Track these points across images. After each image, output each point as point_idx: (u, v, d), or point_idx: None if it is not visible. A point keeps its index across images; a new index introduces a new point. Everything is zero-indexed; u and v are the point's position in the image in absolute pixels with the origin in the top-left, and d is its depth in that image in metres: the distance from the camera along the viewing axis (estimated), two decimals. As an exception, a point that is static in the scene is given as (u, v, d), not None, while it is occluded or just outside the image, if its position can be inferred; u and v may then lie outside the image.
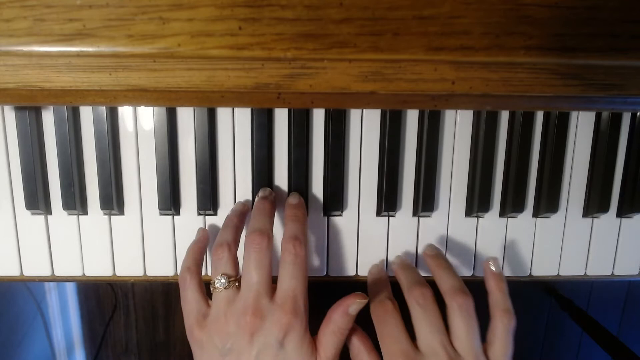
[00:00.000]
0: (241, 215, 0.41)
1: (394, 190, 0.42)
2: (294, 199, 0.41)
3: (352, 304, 0.35)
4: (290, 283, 0.35)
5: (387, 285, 0.41)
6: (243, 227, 0.40)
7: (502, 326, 0.36)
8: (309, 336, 0.35)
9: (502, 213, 0.44)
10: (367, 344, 0.37)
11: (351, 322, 0.36)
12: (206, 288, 0.38)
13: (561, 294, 1.14)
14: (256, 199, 0.41)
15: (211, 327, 0.35)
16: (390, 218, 0.44)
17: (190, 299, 0.37)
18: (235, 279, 0.36)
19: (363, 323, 0.39)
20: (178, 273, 0.43)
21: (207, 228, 0.43)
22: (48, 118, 0.40)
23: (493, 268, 0.39)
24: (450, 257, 0.45)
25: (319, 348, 0.35)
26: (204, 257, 0.42)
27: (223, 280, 0.35)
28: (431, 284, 0.39)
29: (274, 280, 0.36)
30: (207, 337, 0.35)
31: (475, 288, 0.42)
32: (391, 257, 0.44)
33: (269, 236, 0.36)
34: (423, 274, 0.43)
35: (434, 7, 0.32)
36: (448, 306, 0.36)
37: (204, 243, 0.42)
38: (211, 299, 0.37)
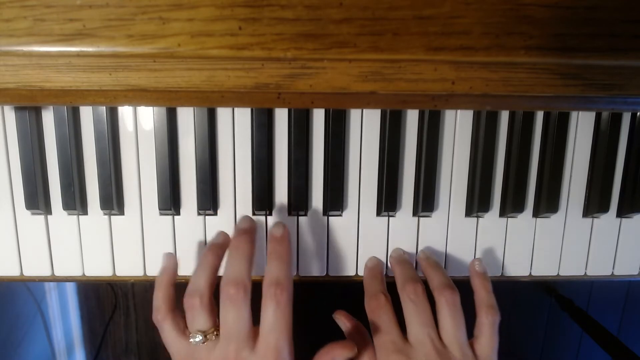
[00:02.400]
0: (219, 249, 0.38)
1: (394, 190, 0.42)
2: (277, 230, 0.38)
3: (338, 356, 0.35)
4: (272, 334, 0.33)
5: (382, 281, 0.42)
6: (220, 263, 0.38)
7: (487, 322, 0.38)
8: None
9: (502, 213, 0.44)
10: (365, 339, 0.39)
11: None
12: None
13: (561, 294, 1.14)
14: (235, 230, 0.39)
15: None
16: (390, 218, 0.44)
17: (169, 341, 0.36)
18: (212, 331, 0.34)
19: (360, 318, 0.41)
20: (178, 273, 0.43)
21: (205, 229, 0.43)
22: (48, 118, 0.40)
23: (478, 268, 0.42)
24: (450, 257, 0.45)
25: None
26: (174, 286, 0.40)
27: (199, 338, 0.34)
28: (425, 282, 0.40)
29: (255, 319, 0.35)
30: None
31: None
32: (391, 257, 0.45)
33: (245, 287, 0.34)
34: (418, 271, 0.43)
35: (434, 7, 0.32)
36: (437, 301, 0.38)
37: (171, 274, 0.40)
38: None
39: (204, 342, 0.34)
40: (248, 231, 0.38)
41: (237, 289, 0.33)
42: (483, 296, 0.40)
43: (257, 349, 0.33)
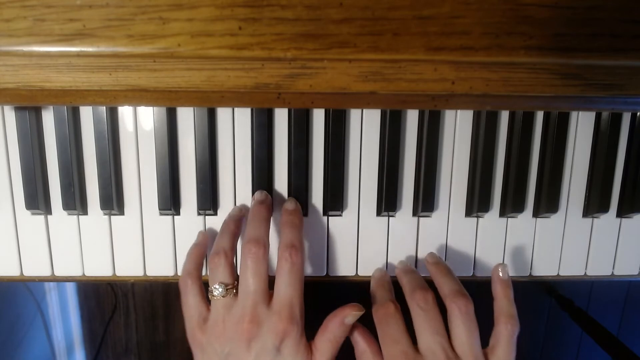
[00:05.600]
0: (238, 220, 0.41)
1: (394, 190, 0.42)
2: (290, 205, 0.41)
3: (348, 315, 0.36)
4: (286, 291, 0.36)
5: (390, 288, 0.41)
6: (240, 232, 0.41)
7: (506, 332, 0.36)
8: (305, 341, 0.36)
9: (502, 213, 0.44)
10: (373, 346, 0.38)
11: (347, 332, 0.37)
12: (206, 290, 0.39)
13: (561, 294, 1.14)
14: (252, 202, 0.41)
15: (211, 333, 0.36)
16: (390, 218, 0.44)
17: (191, 303, 0.38)
18: (232, 286, 0.37)
19: (367, 324, 0.39)
20: (178, 273, 0.43)
21: (206, 229, 0.43)
22: (48, 118, 0.40)
23: (502, 275, 0.39)
24: (450, 257, 0.45)
25: (314, 353, 0.36)
26: (204, 259, 0.42)
27: (220, 289, 0.36)
28: (432, 287, 0.39)
29: (270, 286, 0.37)
30: (207, 342, 0.36)
31: (475, 288, 0.42)
32: (391, 257, 0.44)
33: (265, 245, 0.37)
34: (423, 274, 0.43)
35: (434, 7, 0.32)
36: (448, 310, 0.37)
37: (203, 246, 0.42)
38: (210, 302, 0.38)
39: (223, 296, 0.36)
40: (265, 201, 0.41)
41: (258, 246, 0.36)
42: (504, 305, 0.38)
43: (272, 305, 0.36)
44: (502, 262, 0.45)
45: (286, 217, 0.39)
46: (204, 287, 0.39)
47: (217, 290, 0.36)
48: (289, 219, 0.39)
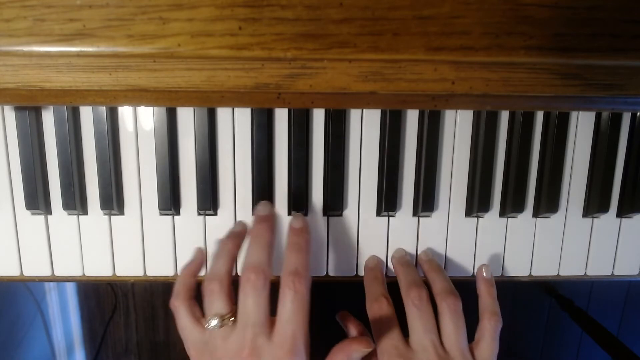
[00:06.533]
0: (237, 238, 0.39)
1: (394, 190, 0.42)
2: (297, 223, 0.38)
3: (355, 351, 0.34)
4: (289, 322, 0.33)
5: (383, 280, 0.42)
6: (238, 252, 0.39)
7: (490, 327, 0.39)
8: None
9: (502, 213, 0.44)
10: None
11: None
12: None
13: (561, 294, 1.14)
14: (254, 217, 0.39)
15: (208, 359, 0.35)
16: (390, 218, 0.44)
17: (183, 326, 0.36)
18: (229, 315, 0.34)
19: (361, 318, 0.41)
20: (178, 273, 0.43)
21: (205, 229, 0.43)
22: (48, 118, 0.40)
23: (485, 274, 0.42)
24: (450, 257, 0.45)
25: None
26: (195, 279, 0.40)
27: (216, 322, 0.34)
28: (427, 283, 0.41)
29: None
30: None
31: (475, 289, 0.42)
32: (391, 257, 0.44)
33: (265, 274, 0.34)
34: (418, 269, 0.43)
35: (434, 7, 0.32)
36: (439, 307, 0.39)
37: (197, 266, 0.41)
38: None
39: (220, 327, 0.34)
40: (268, 219, 0.38)
41: (258, 275, 0.34)
42: (488, 302, 0.40)
43: (273, 337, 0.33)
44: (502, 262, 0.45)
45: (292, 238, 0.37)
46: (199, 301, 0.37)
47: (213, 322, 0.34)
48: (295, 241, 0.37)
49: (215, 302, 0.35)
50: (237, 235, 0.39)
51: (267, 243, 0.36)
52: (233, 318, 0.34)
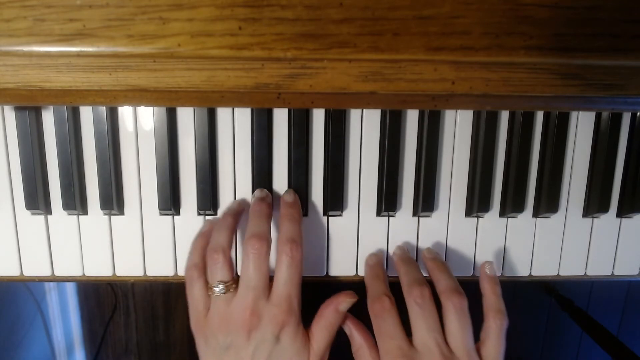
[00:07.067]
0: (236, 214, 0.41)
1: (394, 190, 0.42)
2: (289, 197, 0.41)
3: (342, 302, 0.39)
4: (285, 285, 0.37)
5: (385, 278, 0.42)
6: (237, 227, 0.41)
7: (495, 326, 0.38)
8: (302, 329, 0.38)
9: (502, 213, 0.44)
10: (369, 341, 0.39)
11: (341, 319, 0.39)
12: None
13: (561, 294, 1.14)
14: (253, 199, 0.41)
15: (213, 325, 0.37)
16: (390, 218, 0.44)
17: (196, 295, 0.38)
18: (232, 283, 0.37)
19: (361, 318, 0.40)
20: (178, 273, 0.43)
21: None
22: (48, 118, 0.40)
23: (488, 272, 0.41)
24: (450, 257, 0.45)
25: (311, 340, 0.38)
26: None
27: (221, 287, 0.37)
28: (429, 281, 0.40)
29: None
30: (209, 333, 0.37)
31: (475, 288, 0.42)
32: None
33: (268, 241, 0.37)
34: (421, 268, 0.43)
35: (434, 7, 0.32)
36: (443, 305, 0.38)
37: (209, 236, 0.41)
38: None
39: (224, 293, 0.37)
40: (265, 199, 0.41)
41: (261, 242, 0.37)
42: (492, 301, 0.39)
43: (271, 299, 0.37)
44: (502, 262, 0.45)
45: (285, 210, 0.40)
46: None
47: (217, 288, 0.37)
48: (288, 212, 0.40)
49: (220, 270, 0.37)
50: (236, 211, 0.41)
51: (267, 216, 0.39)
52: (235, 285, 0.37)
